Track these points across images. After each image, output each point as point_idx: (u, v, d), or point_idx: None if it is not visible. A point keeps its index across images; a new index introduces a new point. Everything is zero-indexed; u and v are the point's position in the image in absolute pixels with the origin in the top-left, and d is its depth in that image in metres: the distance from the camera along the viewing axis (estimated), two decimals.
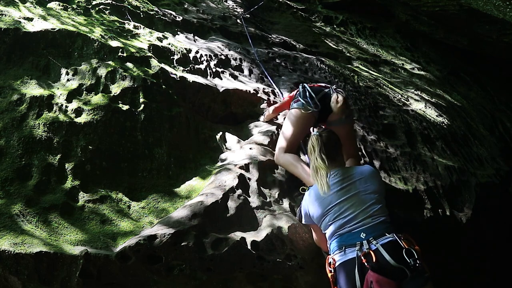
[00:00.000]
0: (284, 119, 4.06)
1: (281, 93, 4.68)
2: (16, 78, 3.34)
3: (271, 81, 4.92)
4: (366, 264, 2.20)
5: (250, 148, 3.55)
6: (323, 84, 3.61)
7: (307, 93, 3.35)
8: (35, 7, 4.28)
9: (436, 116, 5.83)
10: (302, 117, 3.29)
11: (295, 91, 3.72)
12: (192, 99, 4.05)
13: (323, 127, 3.45)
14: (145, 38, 4.64)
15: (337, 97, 3.25)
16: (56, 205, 2.60)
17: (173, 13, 6.03)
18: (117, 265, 2.32)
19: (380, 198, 2.54)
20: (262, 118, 4.23)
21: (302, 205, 2.74)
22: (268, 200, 3.11)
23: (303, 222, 2.74)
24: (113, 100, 3.40)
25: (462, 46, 8.64)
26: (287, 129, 3.33)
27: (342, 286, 2.29)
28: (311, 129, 3.52)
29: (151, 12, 5.58)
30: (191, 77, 4.16)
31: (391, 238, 2.29)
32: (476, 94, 7.97)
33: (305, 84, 3.50)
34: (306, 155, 3.37)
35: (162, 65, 4.02)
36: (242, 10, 7.72)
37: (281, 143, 3.32)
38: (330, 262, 2.41)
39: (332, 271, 2.37)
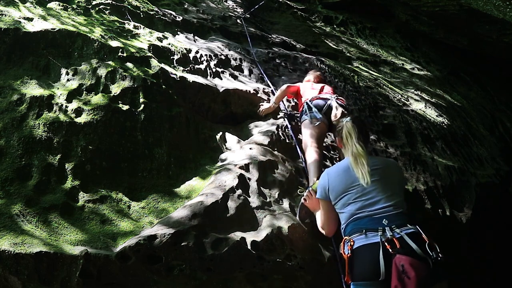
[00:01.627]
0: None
1: None
2: (16, 78, 3.34)
3: (268, 82, 4.93)
4: (390, 250, 2.14)
5: (250, 148, 3.55)
6: (324, 96, 3.86)
7: (312, 109, 3.76)
8: (35, 7, 4.28)
9: (436, 116, 5.83)
10: (313, 126, 3.68)
11: (282, 90, 4.23)
12: (192, 99, 4.04)
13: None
14: (145, 38, 4.64)
15: (336, 112, 3.60)
16: (56, 205, 2.59)
17: (173, 13, 6.03)
18: (117, 265, 2.32)
19: (401, 191, 2.54)
20: (265, 104, 4.37)
21: (322, 177, 2.70)
22: (268, 200, 3.11)
23: (317, 196, 2.69)
24: (113, 100, 3.40)
25: (462, 46, 8.65)
26: (306, 136, 3.69)
27: (360, 269, 2.22)
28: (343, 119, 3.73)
29: (151, 12, 5.58)
30: (191, 77, 4.16)
31: (414, 229, 2.27)
32: (476, 94, 7.97)
33: (307, 102, 3.85)
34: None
35: (162, 65, 4.01)
36: (242, 10, 7.72)
37: (305, 144, 3.65)
38: (348, 243, 2.33)
39: (349, 252, 2.29)
